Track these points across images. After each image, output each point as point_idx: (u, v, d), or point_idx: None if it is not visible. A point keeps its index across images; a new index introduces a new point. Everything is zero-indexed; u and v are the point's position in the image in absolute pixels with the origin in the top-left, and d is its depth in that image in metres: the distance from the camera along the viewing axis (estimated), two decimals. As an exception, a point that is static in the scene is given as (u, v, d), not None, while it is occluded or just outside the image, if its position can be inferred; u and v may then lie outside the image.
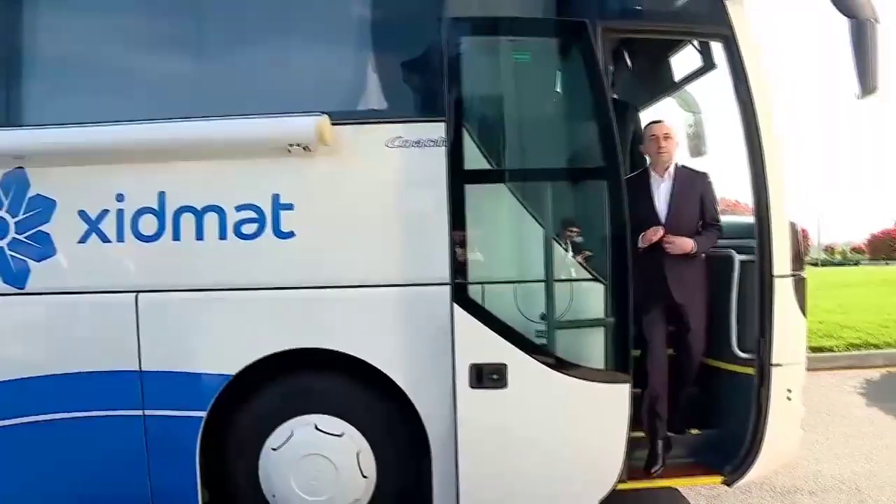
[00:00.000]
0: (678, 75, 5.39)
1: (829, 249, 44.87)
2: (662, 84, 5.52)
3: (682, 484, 4.61)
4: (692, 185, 4.53)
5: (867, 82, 3.91)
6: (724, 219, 4.73)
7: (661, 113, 5.87)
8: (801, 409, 4.33)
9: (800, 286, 4.25)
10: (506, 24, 3.98)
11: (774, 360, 4.13)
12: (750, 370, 4.21)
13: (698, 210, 4.51)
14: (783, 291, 4.12)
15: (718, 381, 4.58)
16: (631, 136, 5.44)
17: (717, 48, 4.48)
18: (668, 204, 4.48)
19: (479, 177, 3.84)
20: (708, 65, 4.85)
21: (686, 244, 4.39)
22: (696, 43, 4.96)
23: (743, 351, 4.27)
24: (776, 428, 4.18)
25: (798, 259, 4.27)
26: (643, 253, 4.32)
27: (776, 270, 4.10)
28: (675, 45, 5.25)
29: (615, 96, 5.24)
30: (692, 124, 6.15)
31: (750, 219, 4.25)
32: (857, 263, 34.54)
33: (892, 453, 5.74)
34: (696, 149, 6.17)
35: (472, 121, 3.85)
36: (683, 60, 5.26)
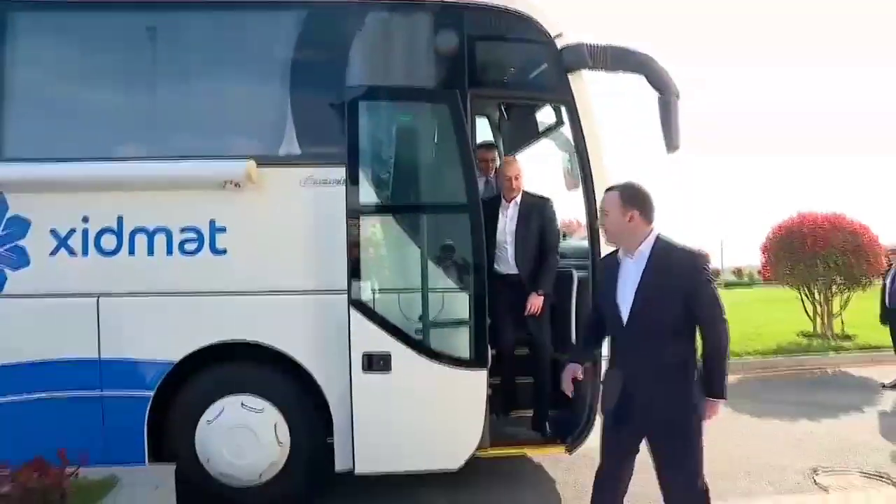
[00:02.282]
0: (541, 127, 6.58)
1: (738, 271, 47.62)
2: (531, 133, 6.72)
3: (534, 453, 5.74)
4: (672, 275, 3.42)
5: (671, 142, 5.19)
6: (567, 244, 5.96)
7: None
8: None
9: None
10: (393, 91, 5.15)
11: (605, 354, 5.32)
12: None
13: (680, 309, 3.40)
14: (609, 300, 5.32)
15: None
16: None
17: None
18: (635, 293, 3.47)
19: (370, 210, 4.98)
20: (559, 121, 6.04)
21: (714, 410, 3.48)
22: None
23: (581, 346, 5.42)
24: (605, 407, 5.38)
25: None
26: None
27: (604, 284, 5.30)
28: (538, 105, 6.43)
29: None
30: (567, 161, 7.30)
31: (586, 243, 5.45)
32: (750, 285, 37.06)
33: (717, 436, 7.03)
34: (571, 183, 7.34)
35: (366, 166, 5.00)
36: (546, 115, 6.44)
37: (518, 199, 5.71)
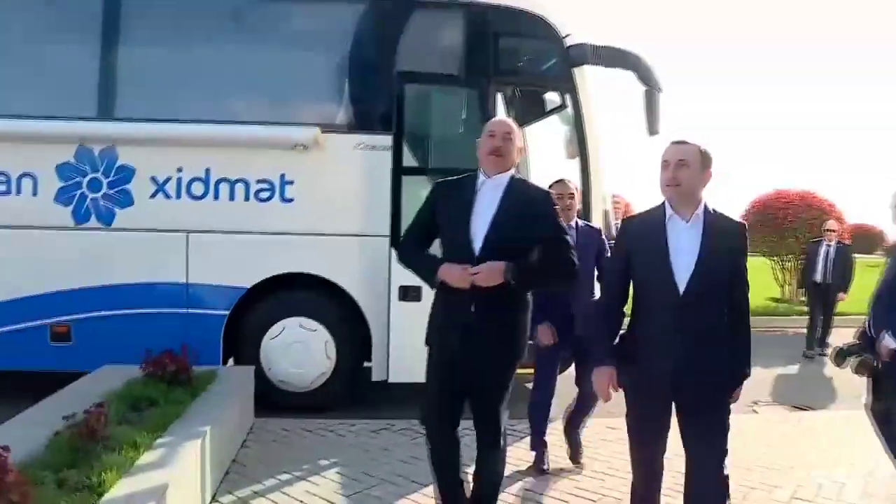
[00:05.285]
0: (548, 106, 7.72)
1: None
2: (539, 111, 7.86)
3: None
4: (723, 242, 3.14)
5: (653, 127, 6.38)
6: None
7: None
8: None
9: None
10: (432, 77, 6.33)
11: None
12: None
13: (727, 277, 3.16)
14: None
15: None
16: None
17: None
18: (697, 260, 3.09)
19: (410, 171, 6.20)
20: (564, 104, 7.18)
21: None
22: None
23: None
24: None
25: (608, 231, 6.72)
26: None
27: (594, 239, 6.52)
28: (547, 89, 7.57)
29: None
30: (568, 134, 8.42)
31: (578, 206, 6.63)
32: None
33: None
34: (571, 152, 8.47)
35: (409, 136, 6.22)
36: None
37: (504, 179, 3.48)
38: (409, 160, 6.22)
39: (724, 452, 3.16)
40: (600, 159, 6.60)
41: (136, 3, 6.25)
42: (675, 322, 3.09)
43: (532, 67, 6.77)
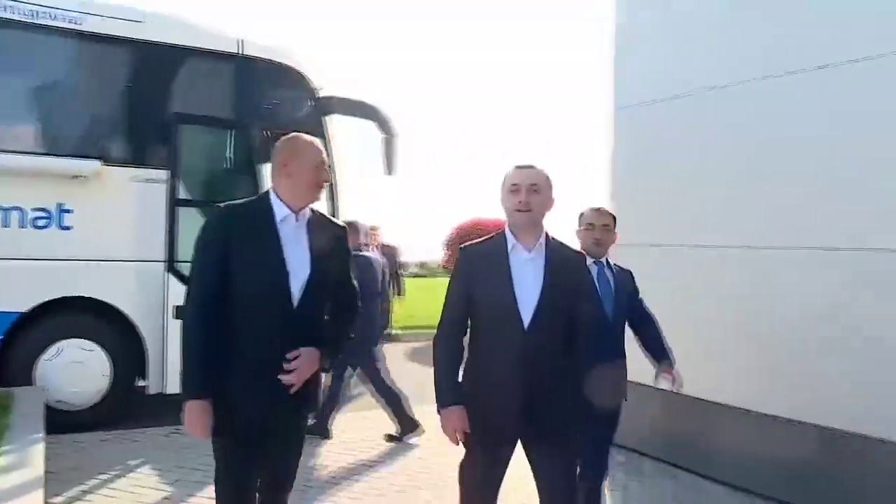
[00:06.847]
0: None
1: (422, 265, 53.98)
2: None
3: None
4: (565, 273, 3.05)
5: (391, 168, 7.72)
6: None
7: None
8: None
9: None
10: (205, 119, 7.12)
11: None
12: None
13: (571, 308, 3.07)
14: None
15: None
16: None
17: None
18: (541, 291, 2.96)
19: (184, 202, 6.90)
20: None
21: None
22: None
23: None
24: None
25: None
26: None
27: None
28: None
29: None
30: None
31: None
32: (434, 275, 42.60)
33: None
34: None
35: (181, 171, 6.95)
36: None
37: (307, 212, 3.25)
38: (183, 193, 6.92)
39: (575, 480, 3.18)
40: (344, 196, 7.79)
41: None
42: (520, 356, 2.92)
43: (289, 113, 7.78)
